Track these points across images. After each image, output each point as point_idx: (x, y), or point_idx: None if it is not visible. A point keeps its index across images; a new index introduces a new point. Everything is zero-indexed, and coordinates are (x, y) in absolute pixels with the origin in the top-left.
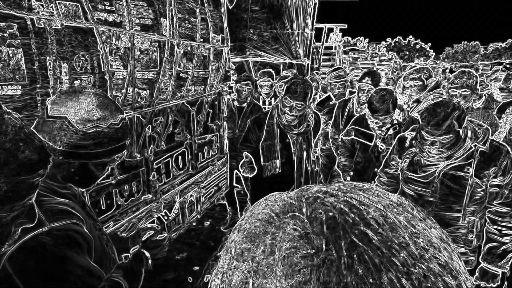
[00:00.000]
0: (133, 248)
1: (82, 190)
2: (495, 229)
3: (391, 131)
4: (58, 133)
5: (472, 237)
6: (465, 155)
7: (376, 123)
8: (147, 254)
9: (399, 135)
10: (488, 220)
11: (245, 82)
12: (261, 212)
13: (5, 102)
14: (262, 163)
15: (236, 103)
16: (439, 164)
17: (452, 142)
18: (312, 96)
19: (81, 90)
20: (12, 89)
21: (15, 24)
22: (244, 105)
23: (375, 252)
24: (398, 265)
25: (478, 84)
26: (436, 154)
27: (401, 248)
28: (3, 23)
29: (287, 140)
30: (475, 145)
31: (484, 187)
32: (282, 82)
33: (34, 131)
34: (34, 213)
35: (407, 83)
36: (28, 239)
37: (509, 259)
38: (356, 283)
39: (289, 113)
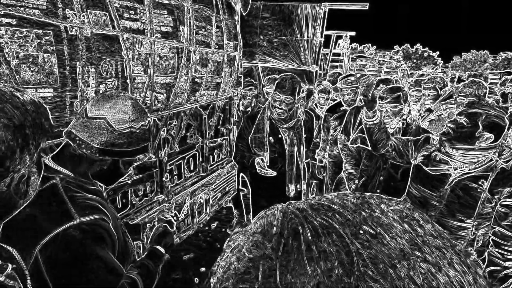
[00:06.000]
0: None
1: (106, 187)
2: (498, 252)
3: (400, 124)
4: (97, 132)
5: (471, 250)
6: (484, 166)
7: (385, 110)
8: (162, 250)
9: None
10: (491, 243)
11: (248, 88)
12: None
13: None
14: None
15: (241, 107)
16: (453, 165)
17: (469, 132)
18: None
19: (118, 94)
20: (45, 92)
21: (51, 32)
22: (249, 109)
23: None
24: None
25: (486, 95)
26: (454, 147)
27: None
28: (41, 30)
29: (280, 135)
30: (496, 160)
31: (493, 204)
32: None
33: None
34: (40, 165)
35: (413, 91)
36: (60, 231)
37: (510, 284)
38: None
39: (279, 106)
